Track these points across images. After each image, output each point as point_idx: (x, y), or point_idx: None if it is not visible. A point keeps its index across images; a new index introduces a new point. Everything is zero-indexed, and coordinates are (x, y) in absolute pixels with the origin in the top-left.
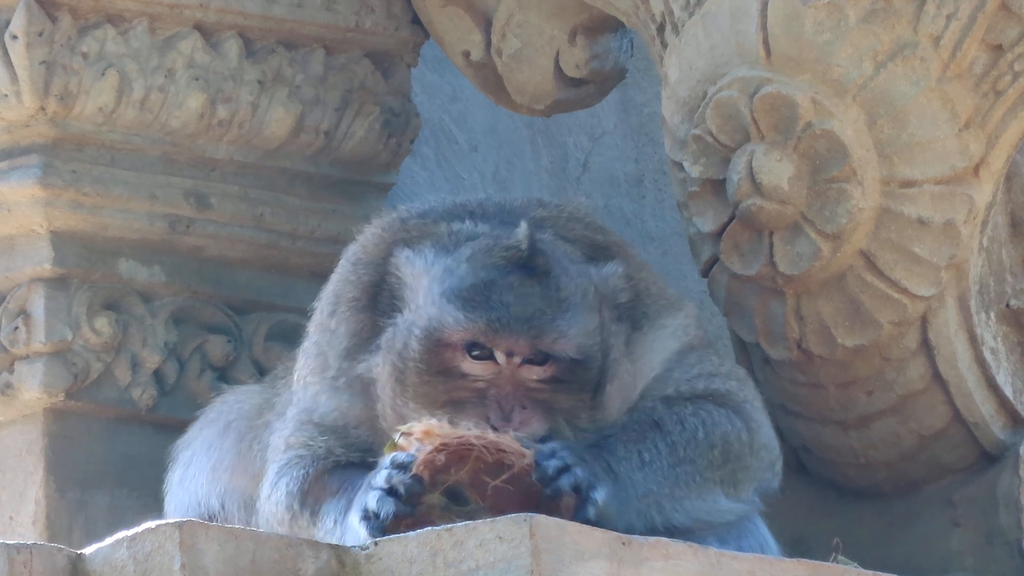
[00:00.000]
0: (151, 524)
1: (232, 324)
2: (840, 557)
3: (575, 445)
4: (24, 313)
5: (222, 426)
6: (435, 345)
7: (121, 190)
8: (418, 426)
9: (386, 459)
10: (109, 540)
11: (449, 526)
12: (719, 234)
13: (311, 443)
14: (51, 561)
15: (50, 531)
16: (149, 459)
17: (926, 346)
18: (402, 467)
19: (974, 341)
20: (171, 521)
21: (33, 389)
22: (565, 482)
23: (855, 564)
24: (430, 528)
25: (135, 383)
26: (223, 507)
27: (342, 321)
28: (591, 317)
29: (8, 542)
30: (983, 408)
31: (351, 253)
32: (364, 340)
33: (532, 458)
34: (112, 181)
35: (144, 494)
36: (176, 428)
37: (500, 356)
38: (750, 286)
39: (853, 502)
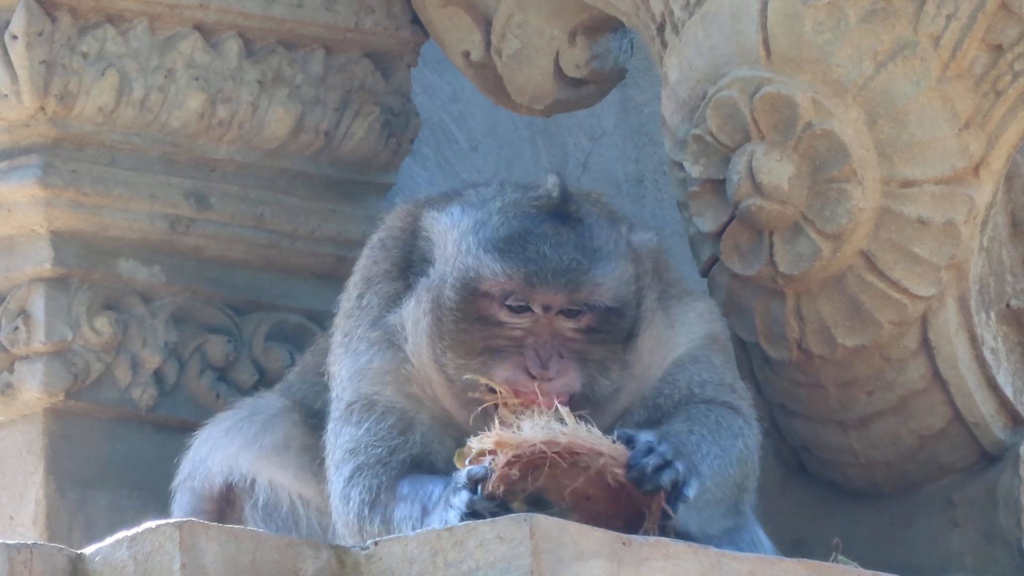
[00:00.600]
0: (151, 524)
1: (232, 324)
2: (840, 557)
3: (666, 438)
4: (24, 313)
5: (247, 414)
6: (471, 294)
7: (121, 190)
8: (489, 436)
9: (462, 475)
10: (109, 540)
11: (449, 526)
12: (719, 234)
13: (376, 444)
14: (51, 561)
15: (50, 531)
16: (149, 459)
17: (926, 346)
18: (479, 482)
19: (974, 341)
20: (171, 521)
21: (33, 389)
22: (666, 478)
23: (855, 564)
24: (430, 528)
25: (135, 383)
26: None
27: (374, 295)
28: (626, 266)
29: (8, 542)
30: (983, 408)
31: (376, 236)
32: (397, 304)
33: (610, 456)
34: (112, 181)
35: (144, 494)
36: (176, 428)
37: (537, 308)
38: (750, 286)
39: (853, 502)
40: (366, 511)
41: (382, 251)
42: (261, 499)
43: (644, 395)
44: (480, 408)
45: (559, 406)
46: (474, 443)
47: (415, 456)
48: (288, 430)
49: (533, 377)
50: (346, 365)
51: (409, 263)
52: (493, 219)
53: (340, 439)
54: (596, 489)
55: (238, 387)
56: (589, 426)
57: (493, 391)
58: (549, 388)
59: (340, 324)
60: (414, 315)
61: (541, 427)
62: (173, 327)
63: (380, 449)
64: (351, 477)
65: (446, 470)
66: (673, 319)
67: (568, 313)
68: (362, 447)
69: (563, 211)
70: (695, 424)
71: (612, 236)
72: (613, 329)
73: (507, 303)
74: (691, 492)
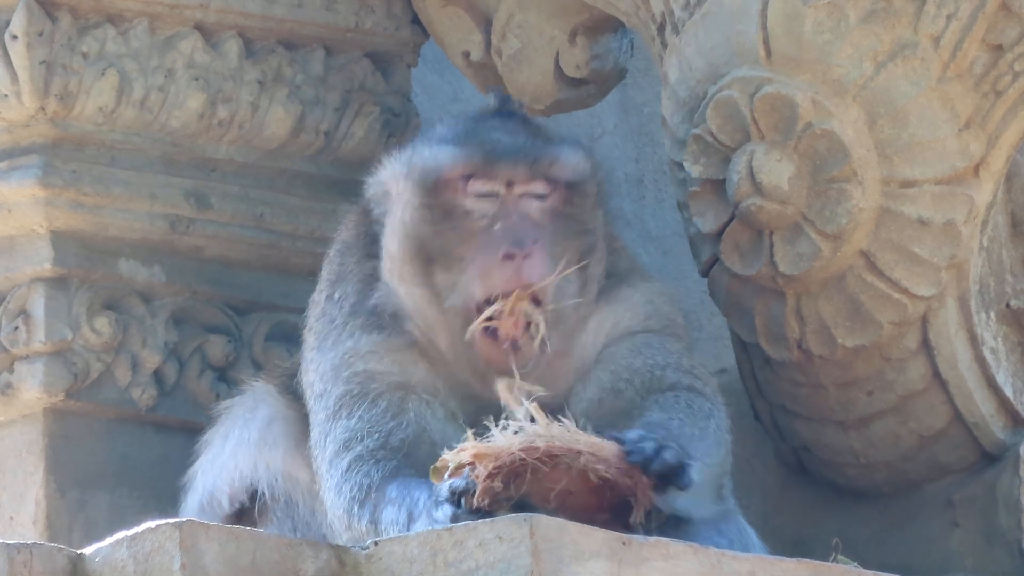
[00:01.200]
0: (151, 524)
1: (232, 324)
2: (840, 557)
3: (651, 429)
4: (24, 313)
5: (250, 406)
6: (433, 186)
7: (121, 190)
8: (466, 449)
9: (443, 488)
10: (109, 540)
11: (449, 526)
12: (719, 234)
13: (371, 432)
14: (51, 561)
15: (50, 531)
16: (149, 459)
17: (926, 346)
18: (462, 495)
19: (974, 341)
20: (171, 521)
21: (33, 389)
22: (669, 455)
23: (855, 564)
24: (430, 528)
25: (135, 383)
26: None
27: (348, 285)
28: (579, 149)
29: (8, 542)
30: (983, 408)
31: (332, 247)
32: (374, 285)
33: (589, 453)
34: (112, 181)
35: (144, 494)
36: (176, 428)
37: (500, 187)
38: (750, 286)
39: (853, 502)
40: (355, 508)
41: (341, 247)
42: (281, 500)
43: (599, 367)
44: (476, 330)
45: (527, 405)
46: (450, 456)
47: (408, 439)
48: (273, 410)
49: (511, 257)
50: (329, 357)
51: (372, 239)
52: (436, 128)
53: (332, 434)
54: (581, 488)
55: (238, 387)
56: (562, 423)
57: (484, 306)
58: (527, 270)
59: (313, 329)
60: (390, 251)
61: (515, 433)
62: (173, 327)
63: (375, 438)
64: (347, 469)
65: (441, 444)
66: (628, 287)
67: (533, 194)
68: (357, 437)
69: (506, 109)
70: (670, 412)
71: (560, 134)
72: (577, 210)
73: (471, 187)
74: (695, 473)
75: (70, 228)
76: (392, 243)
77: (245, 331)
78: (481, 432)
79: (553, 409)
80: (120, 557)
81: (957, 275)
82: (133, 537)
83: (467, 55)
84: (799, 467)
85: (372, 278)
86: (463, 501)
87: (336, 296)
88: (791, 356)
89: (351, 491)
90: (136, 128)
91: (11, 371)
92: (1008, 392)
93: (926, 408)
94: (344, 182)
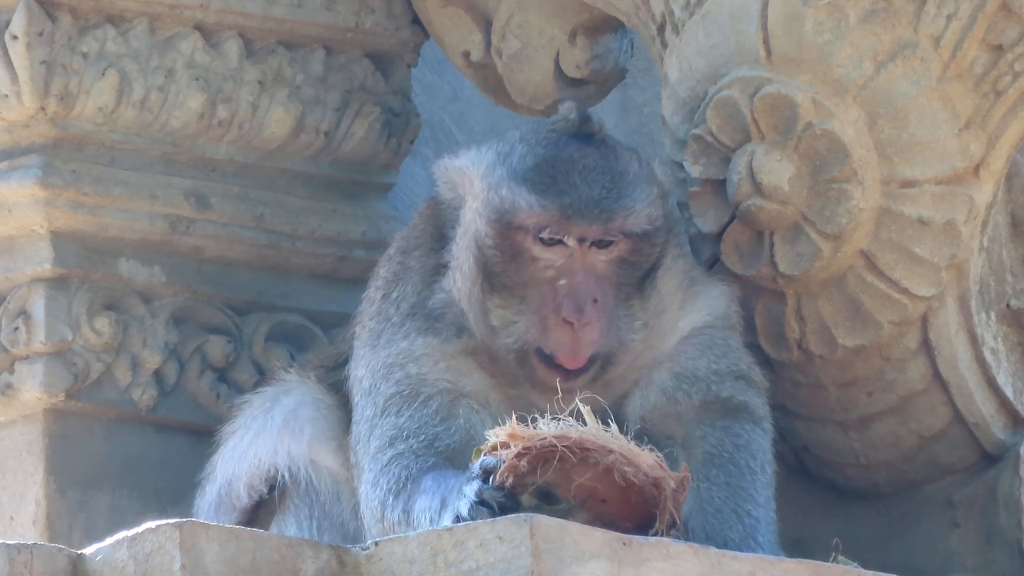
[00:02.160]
0: (151, 524)
1: (232, 324)
2: (840, 557)
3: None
4: (24, 313)
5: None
6: (507, 227)
7: (121, 190)
8: (503, 430)
9: (475, 466)
10: (109, 540)
11: (450, 527)
12: (719, 234)
13: (418, 432)
14: (51, 561)
15: (50, 531)
16: (149, 459)
17: (926, 346)
18: (491, 472)
19: (974, 341)
20: (171, 521)
21: (33, 389)
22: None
23: (855, 564)
24: (430, 528)
25: (135, 383)
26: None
27: (407, 285)
28: (651, 187)
29: (8, 542)
30: (983, 408)
31: (393, 244)
32: (436, 281)
33: (620, 454)
34: (112, 181)
35: (144, 494)
36: (176, 429)
37: (572, 241)
38: (750, 286)
39: (853, 502)
40: (390, 499)
41: (404, 246)
42: (302, 484)
43: (660, 370)
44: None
45: (579, 404)
46: (489, 436)
47: (454, 445)
48: (303, 396)
49: (570, 324)
50: (381, 355)
51: (440, 233)
52: (517, 148)
53: (379, 430)
54: (606, 487)
55: (238, 387)
56: (606, 425)
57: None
58: (585, 337)
59: (367, 326)
60: (459, 263)
61: (556, 423)
62: (173, 327)
63: (421, 439)
64: (388, 463)
65: None
66: (695, 288)
67: (601, 244)
68: (403, 436)
69: (584, 131)
70: (713, 472)
71: (634, 156)
72: (644, 256)
73: (541, 236)
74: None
75: (70, 228)
76: (461, 255)
77: (245, 331)
78: (526, 420)
79: (612, 409)
80: (120, 557)
81: (957, 275)
82: (133, 537)
83: (467, 55)
84: (799, 467)
85: (434, 276)
86: (491, 479)
87: (394, 295)
88: (791, 356)
89: (388, 483)
90: (136, 128)
91: (11, 371)
92: (1008, 392)
93: (926, 408)
94: (344, 182)
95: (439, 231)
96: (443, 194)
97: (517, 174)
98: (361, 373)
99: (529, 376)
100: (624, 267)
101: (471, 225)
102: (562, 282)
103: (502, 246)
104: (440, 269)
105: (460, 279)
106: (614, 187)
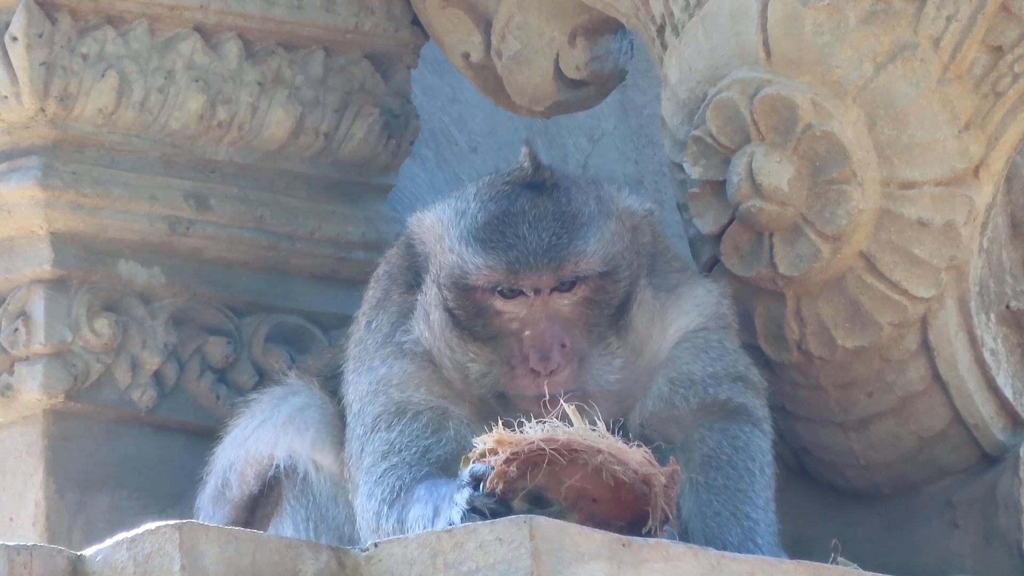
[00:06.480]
0: (151, 526)
1: (232, 326)
2: (840, 558)
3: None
4: (24, 314)
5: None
6: (463, 290)
7: (121, 191)
8: (490, 436)
9: (464, 473)
10: (109, 542)
11: (449, 527)
12: (719, 235)
13: (409, 445)
14: (51, 562)
15: (50, 532)
16: (149, 460)
17: (926, 347)
18: (480, 479)
19: (974, 342)
20: (171, 523)
21: (33, 390)
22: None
23: (855, 565)
24: (430, 529)
25: (135, 384)
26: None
27: (385, 316)
28: (609, 224)
29: (8, 543)
30: (983, 409)
31: (380, 266)
32: (409, 318)
33: (608, 453)
34: (112, 182)
35: (144, 495)
36: (176, 429)
37: (528, 292)
38: (750, 288)
39: (852, 503)
40: (385, 509)
41: (385, 276)
42: (298, 483)
43: (656, 380)
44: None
45: (564, 406)
46: (477, 443)
47: (447, 456)
48: (310, 398)
49: (537, 373)
50: (364, 382)
51: (415, 275)
52: (471, 206)
53: (371, 446)
54: (597, 487)
55: (238, 388)
56: (593, 425)
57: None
58: (554, 382)
59: (351, 354)
60: (426, 314)
61: (543, 426)
62: (173, 328)
63: (413, 451)
64: (381, 475)
65: None
66: (680, 292)
67: (561, 288)
68: (395, 449)
69: (537, 180)
70: (712, 475)
71: (592, 193)
72: (610, 294)
73: (498, 291)
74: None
75: (70, 229)
76: (429, 308)
77: (245, 332)
78: (512, 426)
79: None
80: (120, 559)
81: (957, 276)
82: (133, 539)
83: (467, 56)
84: (799, 468)
85: (409, 314)
86: (481, 486)
87: (373, 325)
88: (791, 357)
89: (382, 494)
90: (136, 129)
91: (11, 372)
92: (1008, 393)
93: (926, 409)
94: (344, 183)
95: (413, 271)
96: (415, 246)
97: (468, 234)
98: (351, 397)
99: (509, 411)
100: (592, 307)
101: (434, 279)
102: (527, 332)
103: (464, 305)
104: (414, 309)
105: (428, 331)
106: (564, 233)
